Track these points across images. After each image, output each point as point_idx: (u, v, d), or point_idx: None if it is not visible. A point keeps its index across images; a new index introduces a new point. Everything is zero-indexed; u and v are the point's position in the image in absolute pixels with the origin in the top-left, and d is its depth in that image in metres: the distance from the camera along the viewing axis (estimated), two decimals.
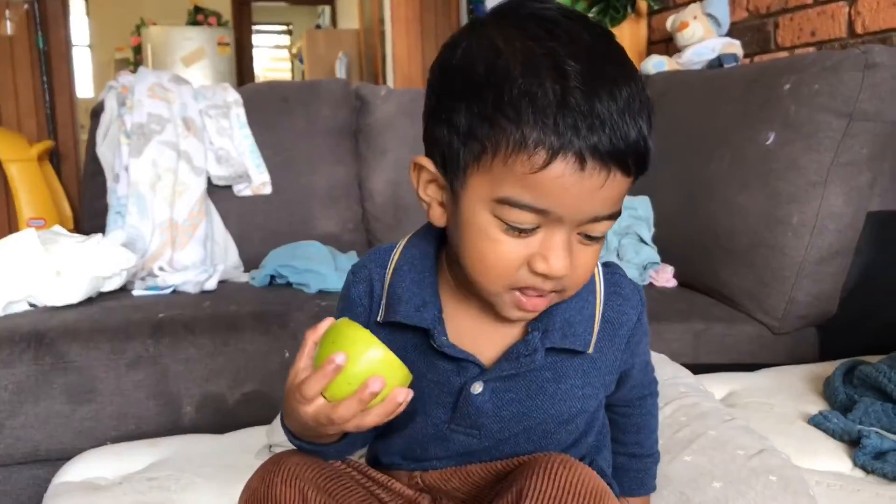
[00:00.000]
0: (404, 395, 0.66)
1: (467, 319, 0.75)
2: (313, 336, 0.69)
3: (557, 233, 0.65)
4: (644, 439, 0.89)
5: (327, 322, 0.69)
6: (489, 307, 0.72)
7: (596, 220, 0.65)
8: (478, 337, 0.75)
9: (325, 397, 0.66)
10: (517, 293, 0.68)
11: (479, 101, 0.63)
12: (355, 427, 0.66)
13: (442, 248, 0.77)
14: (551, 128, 0.60)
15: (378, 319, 0.77)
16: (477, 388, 0.74)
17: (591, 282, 0.77)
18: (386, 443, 0.81)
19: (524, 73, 0.61)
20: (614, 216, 0.67)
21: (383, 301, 0.77)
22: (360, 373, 0.64)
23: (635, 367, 0.83)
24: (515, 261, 0.66)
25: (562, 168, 0.61)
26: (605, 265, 0.80)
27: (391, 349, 0.68)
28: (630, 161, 0.63)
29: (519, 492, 0.67)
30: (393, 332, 0.76)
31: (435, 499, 0.79)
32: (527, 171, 0.62)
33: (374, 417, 0.66)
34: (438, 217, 0.72)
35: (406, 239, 0.80)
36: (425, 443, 0.77)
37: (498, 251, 0.66)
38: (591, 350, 0.75)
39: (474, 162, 0.65)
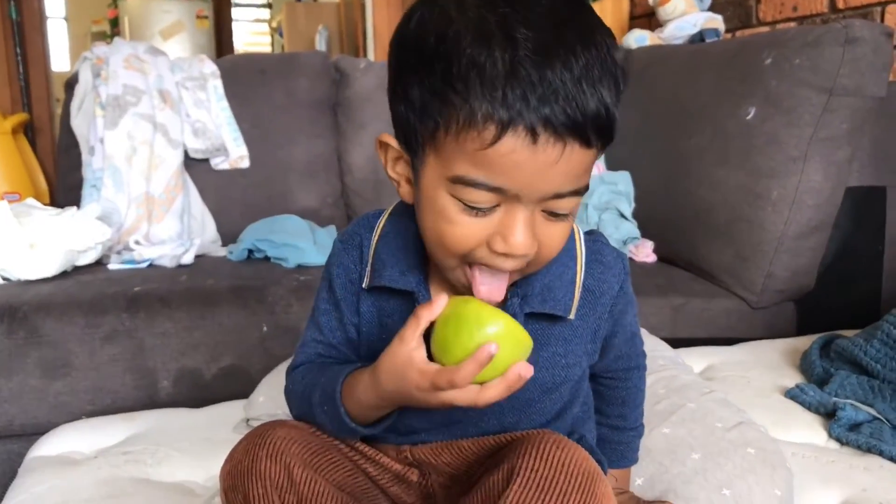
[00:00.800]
0: (529, 371, 0.63)
1: (450, 287, 0.72)
2: (429, 314, 0.64)
3: (517, 211, 0.62)
4: (628, 412, 0.88)
5: (443, 300, 0.64)
6: None
7: (558, 196, 0.63)
8: None
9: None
10: (470, 269, 0.67)
11: (430, 75, 0.61)
12: (484, 404, 0.63)
13: None
14: (500, 100, 0.58)
15: (364, 286, 0.76)
16: None
17: (572, 248, 0.75)
18: None
19: (473, 43, 0.58)
20: (580, 191, 0.64)
21: (369, 267, 0.76)
22: (507, 355, 0.62)
23: (618, 337, 0.81)
24: (474, 241, 0.64)
25: (513, 143, 0.58)
26: (589, 233, 0.79)
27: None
28: (590, 132, 0.60)
29: (510, 469, 0.65)
30: (379, 298, 0.75)
31: (424, 473, 0.78)
32: (478, 147, 0.59)
33: (496, 393, 0.63)
34: (408, 194, 0.70)
35: (392, 206, 0.78)
36: (409, 413, 0.75)
37: (456, 232, 0.64)
38: (571, 316, 0.74)
39: (430, 139, 0.63)
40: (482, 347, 0.60)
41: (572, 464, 0.65)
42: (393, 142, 0.69)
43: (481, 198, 0.62)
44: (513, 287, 0.72)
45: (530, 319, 0.73)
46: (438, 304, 0.64)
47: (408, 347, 0.64)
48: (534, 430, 0.73)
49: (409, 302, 0.74)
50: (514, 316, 0.69)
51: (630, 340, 0.84)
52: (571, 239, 0.76)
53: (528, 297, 0.72)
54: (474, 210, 0.63)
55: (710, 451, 0.95)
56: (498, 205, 0.63)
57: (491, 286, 0.67)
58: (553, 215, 0.64)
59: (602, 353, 0.81)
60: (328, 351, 0.80)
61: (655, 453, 0.96)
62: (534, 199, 0.62)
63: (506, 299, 0.72)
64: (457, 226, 0.64)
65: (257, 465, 0.69)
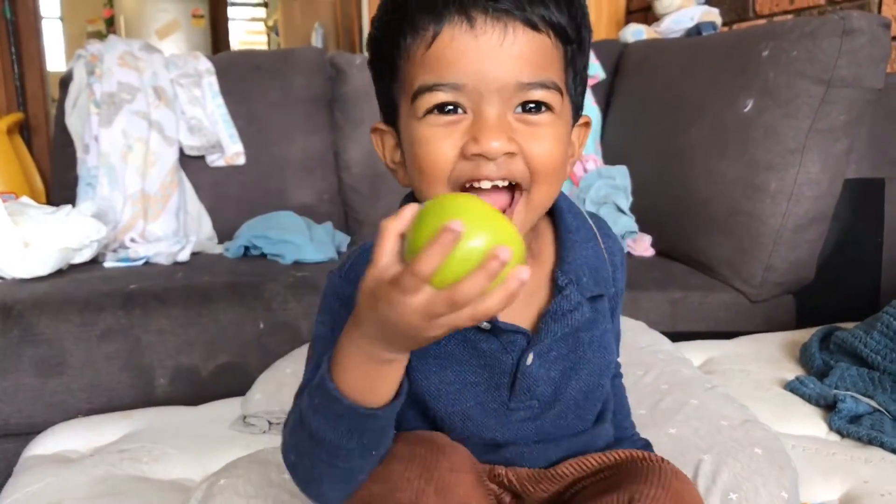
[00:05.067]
0: (527, 273, 0.51)
1: None
2: (397, 225, 0.54)
3: (486, 109, 0.62)
4: (622, 419, 0.85)
5: (412, 208, 0.54)
6: None
7: (522, 87, 0.62)
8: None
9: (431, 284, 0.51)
10: (469, 188, 0.64)
11: (382, 25, 0.66)
12: (471, 319, 0.52)
13: None
14: (433, 2, 0.61)
15: None
16: (531, 358, 0.69)
17: (589, 226, 0.75)
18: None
19: None
20: (548, 84, 0.63)
21: None
22: (480, 246, 0.50)
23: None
24: (448, 151, 0.63)
25: (451, 32, 0.61)
26: (589, 213, 0.79)
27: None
28: (531, 12, 0.61)
29: (631, 497, 0.64)
30: None
31: (518, 498, 0.74)
32: (424, 51, 0.62)
33: (496, 302, 0.51)
34: (404, 178, 0.70)
35: None
36: (487, 426, 0.71)
37: (432, 149, 0.63)
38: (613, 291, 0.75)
39: (395, 84, 0.66)
40: (493, 252, 0.49)
41: (690, 497, 0.65)
42: (382, 125, 0.71)
43: (442, 97, 0.62)
44: (561, 273, 0.70)
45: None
46: (407, 210, 0.54)
47: (379, 266, 0.54)
48: (647, 453, 0.72)
49: None
50: (578, 304, 0.69)
51: (616, 340, 0.82)
52: (582, 215, 0.76)
53: (582, 282, 0.71)
54: (440, 116, 0.63)
55: (718, 452, 0.93)
56: (465, 111, 0.63)
57: (492, 200, 0.63)
58: (527, 112, 0.63)
59: None
60: None
61: (664, 457, 0.95)
62: (495, 92, 0.62)
63: (555, 287, 0.70)
64: (431, 143, 0.63)
65: (424, 501, 0.61)
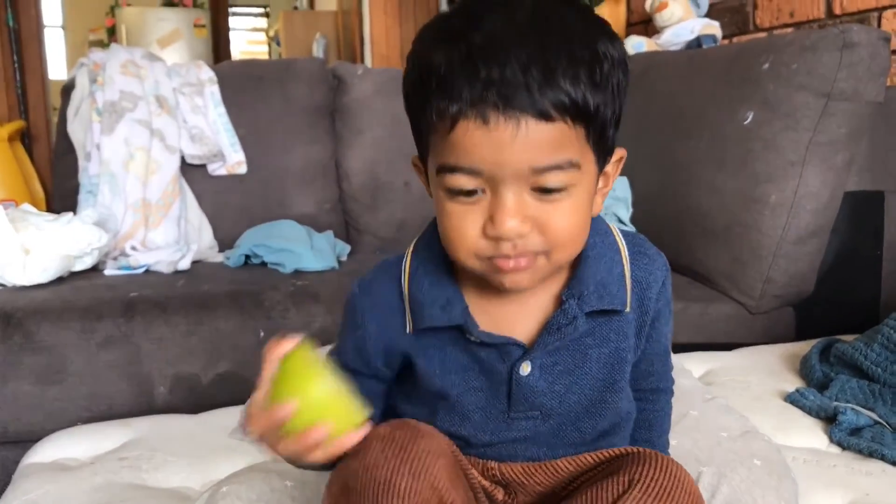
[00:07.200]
0: (351, 441, 0.66)
1: (496, 305, 0.73)
2: (274, 356, 0.67)
3: (502, 192, 0.64)
4: (655, 438, 0.85)
5: (288, 345, 0.67)
6: None
7: (538, 171, 0.63)
8: (512, 319, 0.74)
9: None
10: (493, 261, 0.67)
11: (411, 93, 0.68)
12: (297, 461, 0.68)
13: None
14: (450, 92, 0.62)
15: (408, 331, 0.74)
16: (525, 368, 0.72)
17: (613, 242, 0.76)
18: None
19: (434, 48, 0.64)
20: (563, 166, 0.64)
21: (407, 312, 0.74)
22: (308, 418, 0.64)
23: (652, 345, 0.80)
24: (471, 229, 0.66)
25: (465, 124, 0.62)
26: (623, 231, 0.79)
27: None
28: (544, 104, 0.61)
29: (630, 479, 0.67)
30: (427, 336, 0.74)
31: (510, 493, 0.76)
32: (445, 134, 0.63)
33: (318, 457, 0.67)
34: None
35: (412, 245, 0.78)
36: (481, 428, 0.75)
37: (453, 223, 0.66)
38: (628, 308, 0.74)
39: (424, 145, 0.68)
40: (310, 431, 0.64)
41: (688, 482, 0.68)
42: (418, 161, 0.74)
43: (461, 182, 0.64)
44: (567, 289, 0.73)
45: (589, 317, 0.73)
46: (283, 347, 0.67)
47: (257, 397, 0.68)
48: (643, 448, 0.73)
49: (460, 332, 0.73)
50: (574, 318, 0.71)
51: (663, 356, 0.83)
52: (609, 233, 0.77)
53: (584, 297, 0.72)
54: (462, 196, 0.65)
55: (717, 464, 0.93)
56: (483, 189, 0.65)
57: (514, 277, 0.68)
58: (544, 192, 0.64)
59: (634, 365, 0.80)
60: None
61: None
62: (513, 178, 0.63)
63: (561, 302, 0.72)
64: (453, 218, 0.66)
65: (398, 480, 0.64)
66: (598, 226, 0.76)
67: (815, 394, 1.21)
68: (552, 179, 0.64)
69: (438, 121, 0.63)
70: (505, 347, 0.72)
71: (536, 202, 0.65)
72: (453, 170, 0.64)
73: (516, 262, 0.66)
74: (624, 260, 0.76)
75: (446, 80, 0.62)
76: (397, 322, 0.75)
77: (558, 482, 0.75)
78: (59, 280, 1.62)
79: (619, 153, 0.72)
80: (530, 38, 0.62)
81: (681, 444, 0.99)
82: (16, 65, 3.71)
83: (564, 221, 0.66)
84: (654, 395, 0.84)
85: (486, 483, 0.76)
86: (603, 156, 0.69)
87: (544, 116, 0.61)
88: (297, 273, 1.71)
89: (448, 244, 0.68)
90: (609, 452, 0.75)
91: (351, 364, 0.76)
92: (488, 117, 0.61)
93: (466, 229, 0.66)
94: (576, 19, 0.65)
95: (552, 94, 0.61)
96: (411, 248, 0.78)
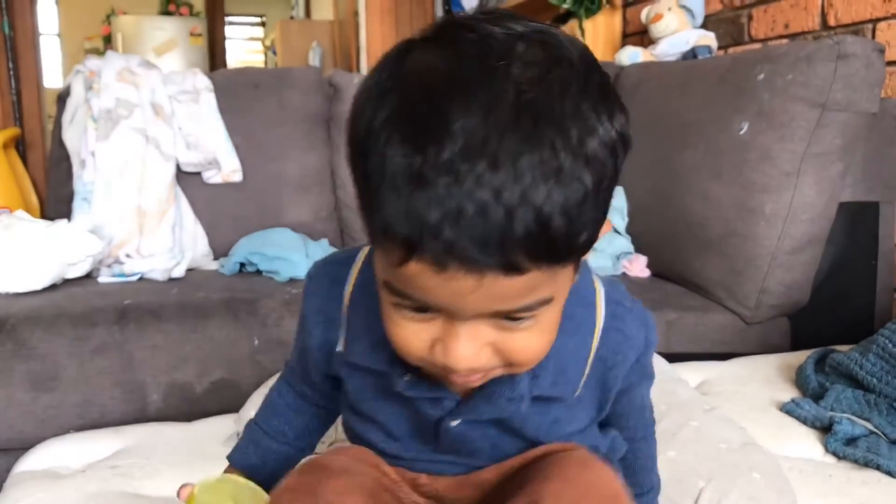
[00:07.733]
0: None
1: None
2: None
3: (457, 326, 0.53)
4: (642, 479, 0.80)
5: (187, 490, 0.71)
6: None
7: (502, 313, 0.52)
8: None
9: None
10: (443, 370, 0.57)
11: (354, 167, 0.52)
12: None
13: None
14: (402, 216, 0.47)
15: (340, 348, 0.69)
16: (454, 422, 0.66)
17: (592, 319, 0.67)
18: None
19: (388, 140, 0.48)
20: (534, 306, 0.53)
21: (343, 328, 0.68)
22: None
23: (624, 407, 0.74)
24: (422, 344, 0.56)
25: (417, 267, 0.49)
26: (612, 291, 0.69)
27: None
28: (516, 257, 0.47)
29: (530, 501, 0.60)
30: (355, 368, 0.69)
31: None
32: (395, 261, 0.50)
33: None
34: None
35: (365, 252, 0.69)
36: (418, 452, 0.71)
37: (400, 334, 0.56)
38: (578, 392, 0.67)
39: (368, 234, 0.54)
40: None
41: (601, 485, 0.61)
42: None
43: (411, 306, 0.54)
44: None
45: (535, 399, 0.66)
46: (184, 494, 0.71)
47: None
48: (558, 444, 0.68)
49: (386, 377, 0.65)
50: (521, 397, 0.63)
51: (639, 413, 0.76)
52: (592, 307, 0.67)
53: (538, 378, 0.64)
54: (410, 312, 0.54)
55: (716, 478, 0.93)
56: (438, 311, 0.53)
57: (465, 384, 0.59)
58: (509, 320, 0.53)
59: (606, 420, 0.74)
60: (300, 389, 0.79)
61: (663, 484, 0.94)
62: (472, 316, 0.53)
63: (515, 377, 0.62)
64: (399, 327, 0.56)
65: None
66: (585, 294, 0.67)
67: (811, 404, 1.21)
68: (520, 316, 0.54)
69: (386, 240, 0.50)
70: (436, 399, 0.65)
71: (497, 330, 0.54)
72: (402, 296, 0.53)
73: (469, 378, 0.58)
74: (595, 339, 0.67)
75: (399, 203, 0.47)
76: (334, 335, 0.69)
77: (487, 493, 0.70)
78: (53, 287, 1.62)
79: (607, 225, 0.59)
80: (508, 152, 0.46)
81: (680, 457, 0.98)
82: (11, 72, 3.71)
83: (530, 344, 0.56)
84: (633, 445, 0.77)
85: (419, 500, 0.71)
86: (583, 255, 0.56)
87: (515, 270, 0.48)
88: (293, 281, 1.70)
89: (399, 351, 0.58)
90: (531, 455, 0.69)
91: (297, 369, 0.77)
92: (446, 266, 0.48)
93: (412, 342, 0.56)
94: (574, 104, 0.49)
95: (527, 245, 0.47)
96: (362, 256, 0.69)
